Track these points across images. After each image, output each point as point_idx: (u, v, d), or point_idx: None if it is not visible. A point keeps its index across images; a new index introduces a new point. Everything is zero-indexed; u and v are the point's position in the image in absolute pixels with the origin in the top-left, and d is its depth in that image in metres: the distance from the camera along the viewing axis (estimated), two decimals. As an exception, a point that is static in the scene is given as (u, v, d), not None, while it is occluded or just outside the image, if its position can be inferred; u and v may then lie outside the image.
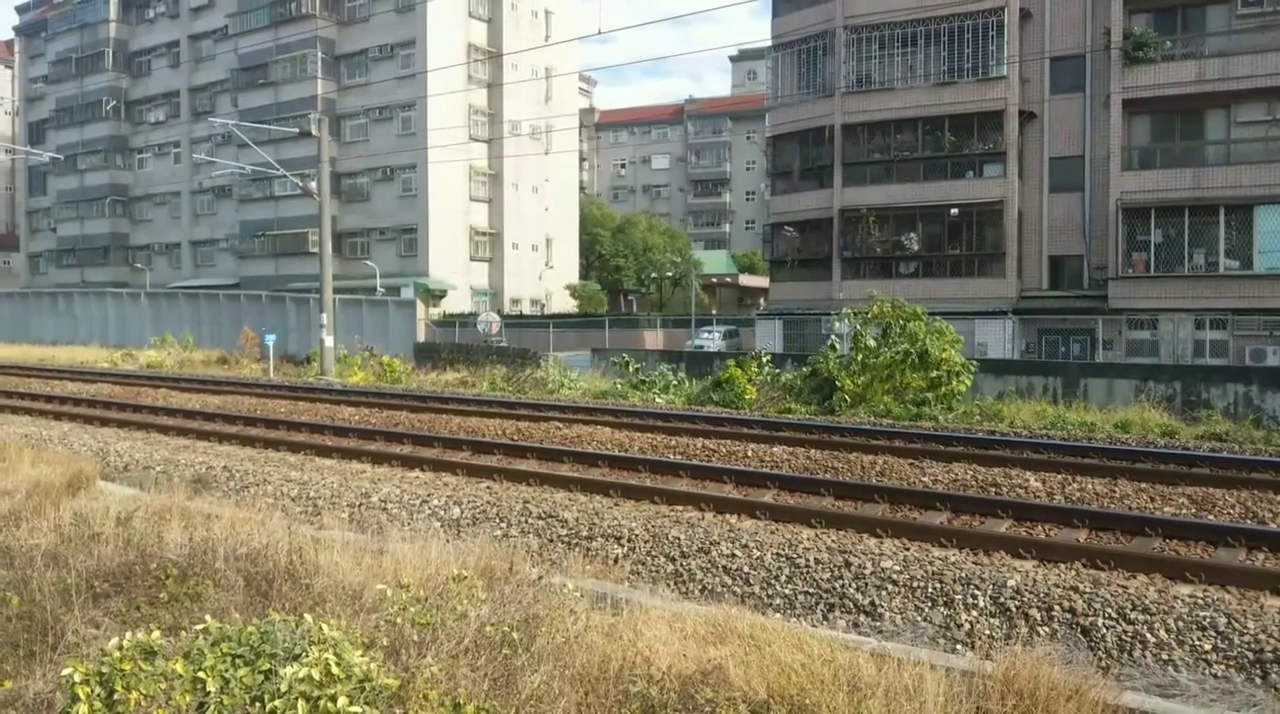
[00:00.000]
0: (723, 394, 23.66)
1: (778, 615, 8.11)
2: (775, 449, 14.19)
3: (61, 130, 76.14)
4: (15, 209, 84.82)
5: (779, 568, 9.26)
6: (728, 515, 11.08)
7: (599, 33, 33.55)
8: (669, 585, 9.35)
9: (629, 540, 10.27)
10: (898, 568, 8.90)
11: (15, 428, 19.05)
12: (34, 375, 30.49)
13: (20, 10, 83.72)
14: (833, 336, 25.96)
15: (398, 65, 60.77)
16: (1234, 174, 33.01)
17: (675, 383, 26.64)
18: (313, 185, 35.78)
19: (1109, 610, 7.76)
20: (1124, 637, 7.51)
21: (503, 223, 65.87)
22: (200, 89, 70.31)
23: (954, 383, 21.43)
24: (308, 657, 4.27)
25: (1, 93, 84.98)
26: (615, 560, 9.96)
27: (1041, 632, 7.72)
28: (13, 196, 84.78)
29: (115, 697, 4.08)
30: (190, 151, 68.41)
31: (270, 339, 37.48)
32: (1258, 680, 6.87)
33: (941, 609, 8.28)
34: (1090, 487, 11.53)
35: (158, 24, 73.44)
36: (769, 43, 43.66)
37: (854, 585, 8.80)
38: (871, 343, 22.53)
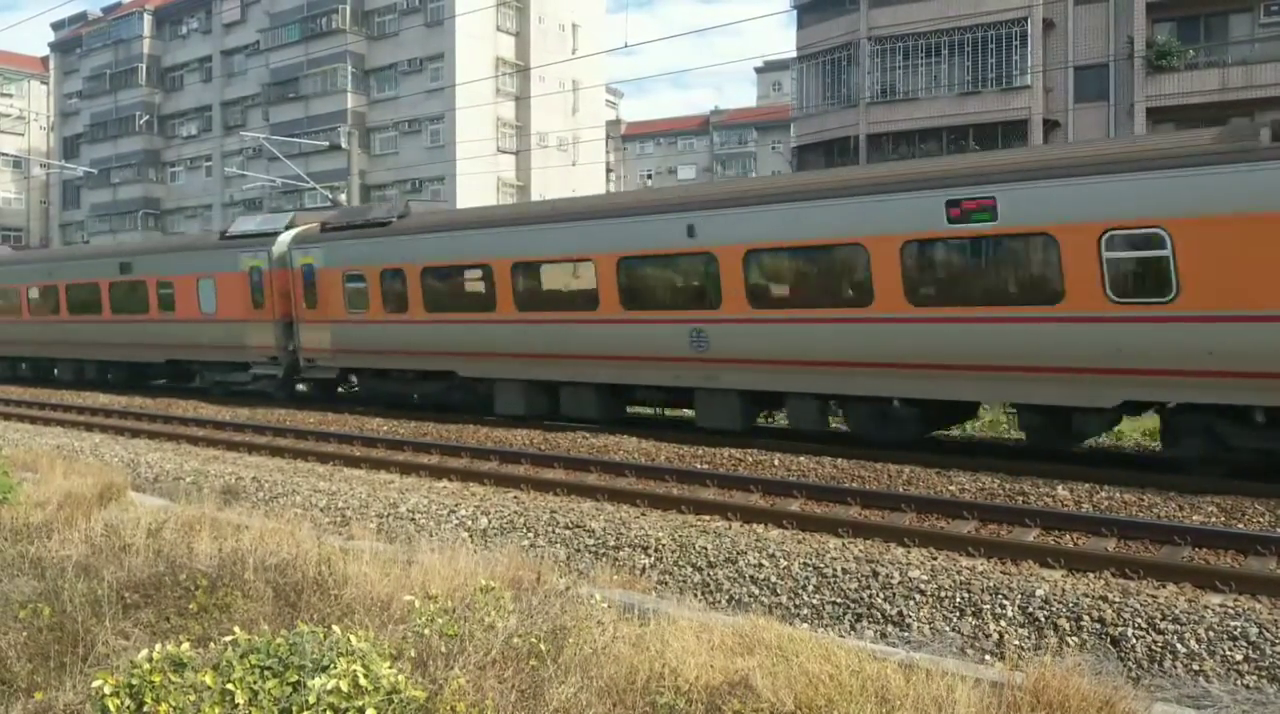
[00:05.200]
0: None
1: (805, 625, 8.09)
2: (801, 458, 14.15)
3: (95, 145, 77.08)
4: (49, 223, 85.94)
5: (806, 578, 9.23)
6: (754, 525, 11.07)
7: (625, 45, 33.72)
8: (696, 595, 9.34)
9: (656, 550, 10.27)
10: (925, 577, 8.86)
11: (48, 439, 19.30)
12: (66, 386, 30.82)
13: (56, 27, 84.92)
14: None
15: (426, 79, 61.15)
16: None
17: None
18: (342, 197, 36.10)
19: (1139, 620, 7.69)
20: (1154, 647, 7.44)
21: (530, 233, 65.92)
22: (232, 103, 71.02)
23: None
24: (336, 668, 4.30)
25: (37, 108, 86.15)
26: (642, 570, 9.96)
27: (1071, 642, 7.66)
28: (46, 210, 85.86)
29: (145, 709, 4.12)
30: (222, 165, 69.10)
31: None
32: (1292, 692, 6.78)
33: (970, 619, 8.23)
34: (1118, 495, 11.43)
35: (190, 40, 74.28)
36: (794, 54, 43.63)
37: (881, 595, 8.76)
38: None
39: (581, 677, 5.36)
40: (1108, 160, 12.36)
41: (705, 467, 14.14)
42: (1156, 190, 11.80)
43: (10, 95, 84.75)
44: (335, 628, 4.81)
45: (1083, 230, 12.23)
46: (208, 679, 4.26)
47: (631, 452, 15.41)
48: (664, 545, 10.30)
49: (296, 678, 4.32)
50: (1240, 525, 10.27)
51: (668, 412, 19.88)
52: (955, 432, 18.32)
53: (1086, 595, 8.17)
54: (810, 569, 9.33)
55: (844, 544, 10.08)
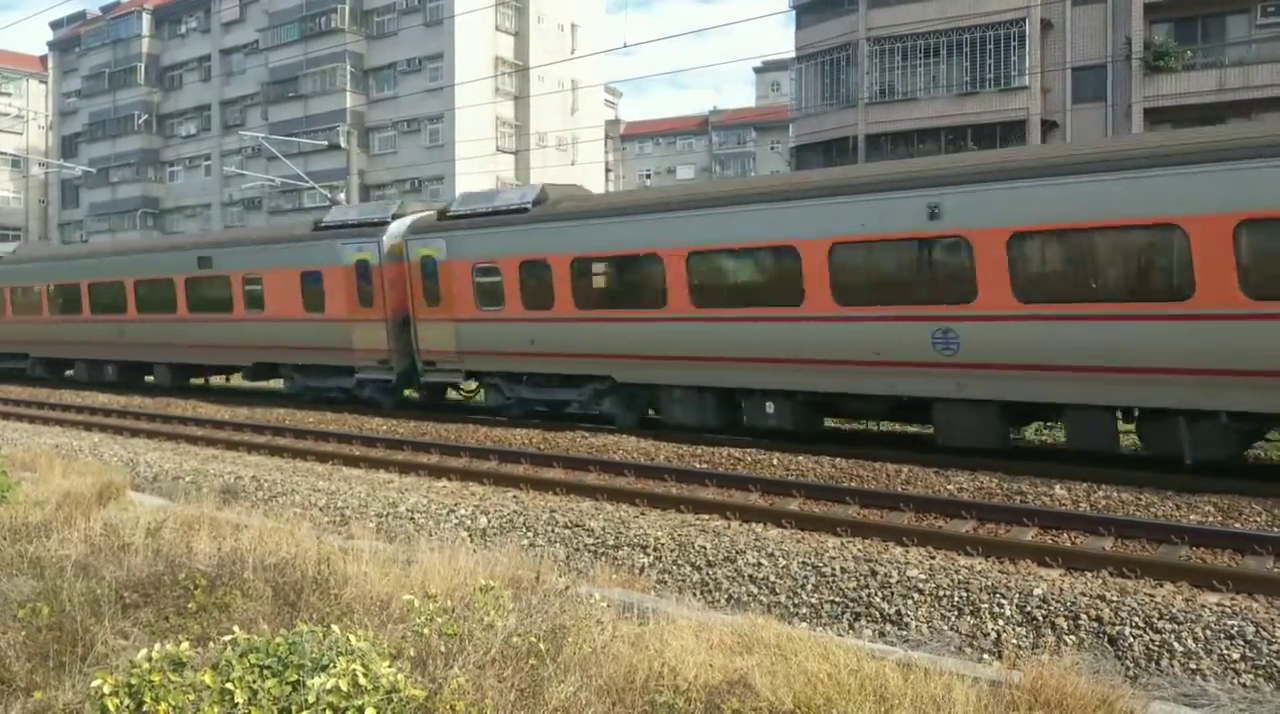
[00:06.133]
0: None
1: (804, 625, 8.10)
2: (800, 457, 14.16)
3: (94, 144, 77.04)
4: (48, 222, 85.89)
5: (805, 577, 9.24)
6: (753, 524, 11.08)
7: (624, 46, 33.72)
8: (695, 594, 9.35)
9: (655, 549, 10.28)
10: (924, 576, 8.87)
11: (47, 439, 19.29)
12: (65, 386, 30.82)
13: (54, 26, 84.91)
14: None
15: (426, 78, 61.14)
16: (1258, 183, 32.71)
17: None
18: (341, 197, 36.11)
19: (1136, 619, 7.71)
20: (1151, 646, 7.45)
21: (529, 233, 65.88)
22: (231, 102, 70.99)
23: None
24: (335, 668, 4.30)
25: (35, 107, 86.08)
26: (641, 570, 9.97)
27: (1068, 640, 7.67)
28: (45, 209, 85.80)
29: (144, 708, 4.12)
30: (221, 164, 69.08)
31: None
32: (1289, 691, 6.80)
33: (968, 618, 8.24)
34: (1116, 494, 11.45)
35: (189, 39, 74.24)
36: (792, 54, 43.68)
37: (880, 594, 8.77)
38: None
39: (581, 676, 5.36)
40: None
41: (704, 466, 14.16)
42: None
43: (9, 94, 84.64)
44: (335, 627, 4.81)
45: None
46: (207, 679, 4.26)
47: (631, 451, 15.41)
48: (663, 545, 10.31)
49: (296, 677, 4.32)
50: (1237, 525, 10.30)
51: None
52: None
53: (1084, 594, 8.18)
54: (809, 568, 9.34)
55: (842, 543, 10.09)
